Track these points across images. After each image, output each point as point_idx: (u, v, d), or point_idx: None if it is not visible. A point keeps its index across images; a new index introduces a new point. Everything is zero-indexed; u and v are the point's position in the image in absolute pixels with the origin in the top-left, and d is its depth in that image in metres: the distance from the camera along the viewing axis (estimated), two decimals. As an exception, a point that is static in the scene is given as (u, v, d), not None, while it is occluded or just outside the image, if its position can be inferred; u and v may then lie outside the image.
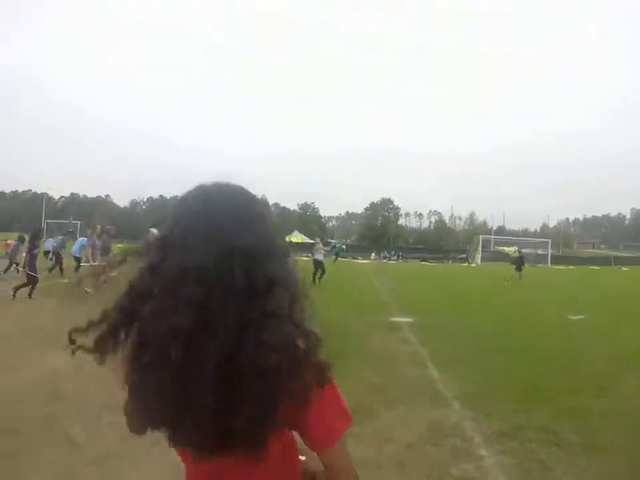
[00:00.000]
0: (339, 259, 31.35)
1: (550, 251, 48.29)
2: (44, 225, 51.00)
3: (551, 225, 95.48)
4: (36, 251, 9.83)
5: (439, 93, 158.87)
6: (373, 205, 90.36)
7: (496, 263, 39.74)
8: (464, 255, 49.82)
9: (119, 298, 0.84)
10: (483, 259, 43.62)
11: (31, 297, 9.33)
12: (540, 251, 48.04)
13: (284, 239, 0.94)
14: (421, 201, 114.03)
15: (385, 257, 48.40)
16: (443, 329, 7.37)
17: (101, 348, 0.83)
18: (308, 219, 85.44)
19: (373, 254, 48.86)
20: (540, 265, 39.77)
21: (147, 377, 0.77)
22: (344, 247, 45.08)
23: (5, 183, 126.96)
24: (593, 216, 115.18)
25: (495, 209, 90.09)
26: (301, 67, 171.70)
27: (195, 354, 0.74)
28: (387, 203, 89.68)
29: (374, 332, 7.16)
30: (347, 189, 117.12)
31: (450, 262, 46.19)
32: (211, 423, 0.76)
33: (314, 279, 13.02)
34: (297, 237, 35.40)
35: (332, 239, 64.85)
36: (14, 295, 9.19)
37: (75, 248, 13.57)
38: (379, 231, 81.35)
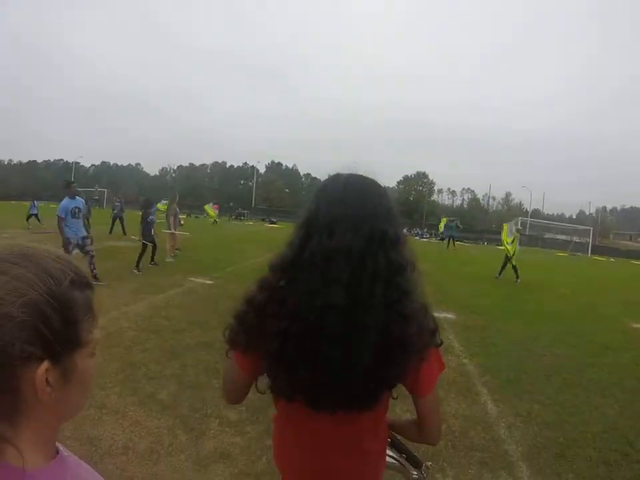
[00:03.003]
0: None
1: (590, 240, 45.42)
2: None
3: (588, 212, 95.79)
4: (150, 218, 10.31)
5: (482, 62, 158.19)
6: (406, 178, 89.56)
7: (532, 248, 38.50)
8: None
9: (262, 278, 1.06)
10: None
11: (138, 267, 9.47)
12: (576, 239, 46.79)
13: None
14: (454, 178, 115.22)
15: (417, 235, 47.77)
16: (491, 330, 6.82)
17: (245, 326, 1.04)
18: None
19: (405, 230, 48.03)
20: (579, 253, 39.47)
21: (299, 344, 0.98)
22: (459, 225, 31.84)
23: (37, 153, 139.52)
24: (632, 207, 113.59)
25: (534, 191, 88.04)
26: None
27: (352, 327, 0.96)
28: (421, 177, 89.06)
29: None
30: (380, 160, 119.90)
31: (485, 243, 45.13)
32: (358, 385, 0.99)
33: None
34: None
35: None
36: (138, 268, 9.44)
37: None
38: (411, 206, 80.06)
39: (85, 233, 8.02)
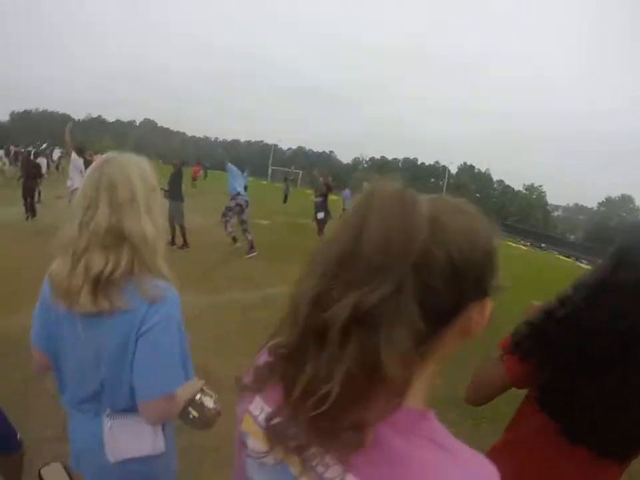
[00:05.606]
0: None
1: None
2: (269, 171, 60.57)
3: None
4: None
5: None
6: (609, 200, 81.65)
7: None
8: None
9: (563, 293, 1.06)
10: None
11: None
12: None
13: None
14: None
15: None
16: None
17: (536, 334, 1.05)
18: (532, 202, 79.97)
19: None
20: None
21: (592, 364, 0.96)
22: None
23: (241, 133, 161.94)
24: None
25: None
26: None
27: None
28: (626, 201, 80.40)
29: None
30: (577, 178, 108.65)
31: None
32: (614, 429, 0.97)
33: None
34: None
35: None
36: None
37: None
38: (611, 233, 69.19)
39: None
